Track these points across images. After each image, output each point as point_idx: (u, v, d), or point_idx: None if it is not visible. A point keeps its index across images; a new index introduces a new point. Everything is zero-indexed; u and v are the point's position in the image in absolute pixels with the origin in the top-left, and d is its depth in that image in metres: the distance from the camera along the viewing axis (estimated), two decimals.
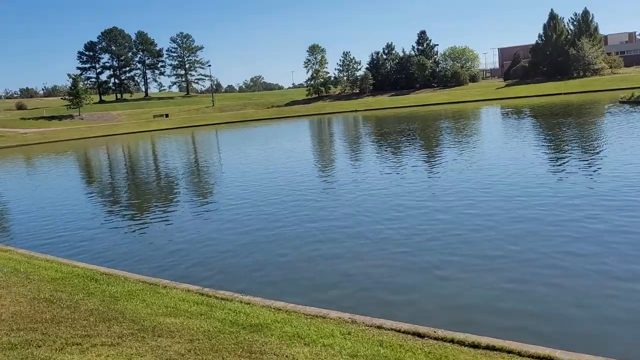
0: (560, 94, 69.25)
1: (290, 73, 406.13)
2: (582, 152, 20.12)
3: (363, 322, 5.83)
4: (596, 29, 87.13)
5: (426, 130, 37.19)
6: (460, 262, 8.93)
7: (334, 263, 9.56)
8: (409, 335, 5.38)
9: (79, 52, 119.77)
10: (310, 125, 61.00)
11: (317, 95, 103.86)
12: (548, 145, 23.00)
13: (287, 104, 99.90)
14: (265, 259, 10.15)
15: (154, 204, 18.26)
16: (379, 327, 5.66)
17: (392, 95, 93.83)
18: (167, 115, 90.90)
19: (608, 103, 45.75)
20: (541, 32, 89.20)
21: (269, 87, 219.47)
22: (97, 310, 6.23)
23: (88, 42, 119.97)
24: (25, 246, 12.19)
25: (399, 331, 5.52)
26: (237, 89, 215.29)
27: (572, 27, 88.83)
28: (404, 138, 32.38)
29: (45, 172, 33.49)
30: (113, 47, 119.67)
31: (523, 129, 31.59)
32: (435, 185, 16.06)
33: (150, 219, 15.46)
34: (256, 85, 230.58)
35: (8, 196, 23.39)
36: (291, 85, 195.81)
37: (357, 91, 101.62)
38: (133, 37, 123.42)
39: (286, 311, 6.37)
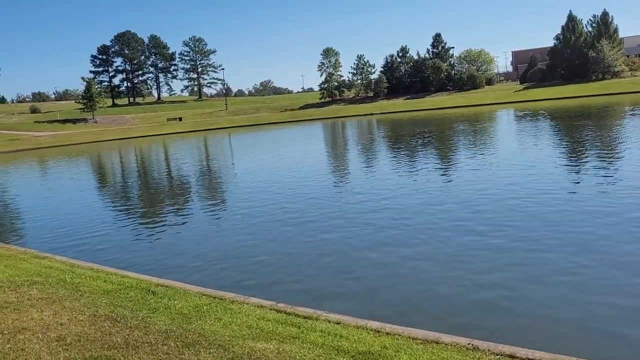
0: (581, 96, 68.10)
1: (300, 77, 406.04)
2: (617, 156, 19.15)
3: (488, 350, 4.97)
4: (616, 30, 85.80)
5: (454, 134, 36.26)
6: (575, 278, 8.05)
7: (392, 272, 8.70)
8: None
9: (92, 56, 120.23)
10: (328, 128, 60.22)
11: (330, 98, 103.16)
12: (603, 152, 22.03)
13: (300, 108, 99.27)
14: (311, 266, 9.32)
15: (177, 207, 17.46)
16: (511, 357, 4.79)
17: (407, 99, 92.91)
18: (180, 119, 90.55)
19: (630, 106, 44.73)
20: (559, 34, 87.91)
21: (279, 91, 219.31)
22: (172, 332, 5.41)
23: (101, 46, 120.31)
24: (44, 250, 11.51)
25: None
26: (247, 93, 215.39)
27: (590, 28, 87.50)
28: (434, 141, 31.50)
29: (60, 176, 32.91)
30: (126, 51, 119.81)
31: (560, 133, 30.59)
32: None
33: (174, 222, 14.67)
34: (266, 89, 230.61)
35: (25, 200, 22.74)
36: (301, 90, 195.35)
37: (371, 94, 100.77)
38: (146, 40, 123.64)
39: (387, 333, 5.52)
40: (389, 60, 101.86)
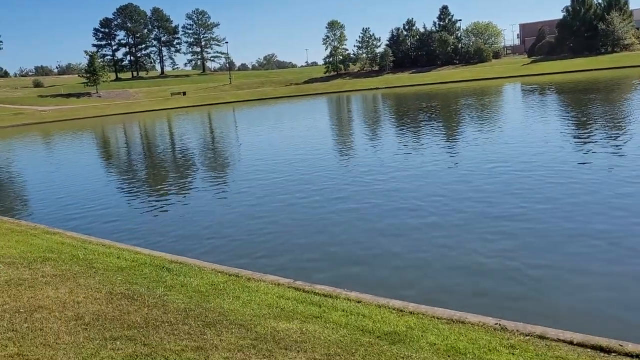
0: (590, 70, 67.12)
1: (305, 51, 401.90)
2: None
3: (516, 330, 4.83)
4: (626, 2, 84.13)
5: (461, 109, 35.83)
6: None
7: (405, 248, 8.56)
8: (589, 350, 4.37)
9: (95, 29, 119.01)
10: (334, 103, 59.72)
11: (335, 72, 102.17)
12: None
13: (305, 82, 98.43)
14: (319, 240, 9.19)
15: (184, 183, 17.31)
16: (541, 337, 4.65)
17: (412, 73, 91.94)
18: (184, 93, 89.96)
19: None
20: (568, 6, 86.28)
21: (282, 65, 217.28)
22: (191, 311, 5.30)
23: (104, 19, 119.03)
24: (53, 225, 11.46)
25: (570, 343, 4.51)
26: (250, 67, 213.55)
27: (600, 0, 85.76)
28: (452, 115, 31.14)
29: (65, 150, 32.80)
30: (129, 24, 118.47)
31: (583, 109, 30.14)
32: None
33: (181, 197, 14.55)
34: (269, 63, 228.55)
35: (31, 174, 22.66)
36: (304, 64, 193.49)
37: (377, 68, 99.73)
38: (148, 13, 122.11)
39: (411, 313, 5.39)
40: (394, 33, 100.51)
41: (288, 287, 6.42)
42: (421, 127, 26.22)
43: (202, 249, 9.65)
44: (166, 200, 14.59)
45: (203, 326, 4.82)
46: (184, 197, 14.84)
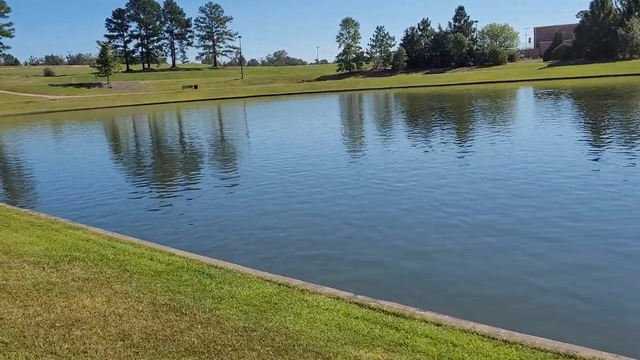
0: (609, 76, 66.01)
1: (315, 48, 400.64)
2: None
3: None
4: None
5: (479, 113, 34.96)
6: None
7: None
8: None
9: (107, 20, 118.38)
10: (348, 101, 58.92)
11: (348, 70, 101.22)
12: None
13: (317, 79, 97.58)
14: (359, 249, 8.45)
15: (198, 178, 16.58)
16: None
17: (426, 73, 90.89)
18: (196, 87, 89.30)
19: None
20: (587, 10, 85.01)
21: (292, 62, 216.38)
22: (252, 331, 4.56)
23: (116, 10, 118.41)
24: (68, 217, 10.85)
25: None
26: (260, 63, 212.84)
27: (620, 5, 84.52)
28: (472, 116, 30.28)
29: (76, 141, 32.20)
30: (141, 16, 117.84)
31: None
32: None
33: (196, 193, 13.80)
34: (279, 60, 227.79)
35: (44, 164, 22.00)
36: (314, 61, 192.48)
37: (390, 68, 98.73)
38: (162, 5, 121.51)
39: (505, 341, 4.64)
40: (409, 33, 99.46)
41: (350, 303, 5.69)
42: (459, 131, 25.40)
43: (223, 246, 8.95)
44: (180, 194, 13.86)
45: (274, 353, 4.08)
46: (200, 194, 14.11)
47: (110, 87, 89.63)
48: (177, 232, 10.26)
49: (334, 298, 5.84)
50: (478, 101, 42.50)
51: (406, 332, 4.75)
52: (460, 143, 19.81)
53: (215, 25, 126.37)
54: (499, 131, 22.30)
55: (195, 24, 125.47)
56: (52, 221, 10.12)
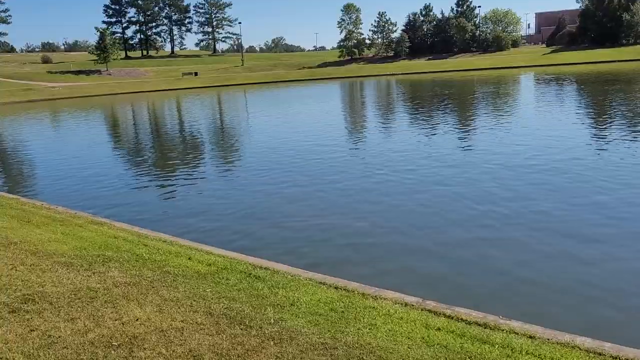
0: (614, 61, 65.33)
1: (314, 35, 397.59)
2: None
3: None
4: None
5: (491, 100, 34.35)
6: None
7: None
8: None
9: (105, 6, 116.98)
10: (350, 88, 58.15)
11: (350, 57, 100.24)
12: None
13: (318, 66, 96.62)
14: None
15: (206, 168, 16.03)
16: None
17: (429, 59, 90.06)
18: (196, 74, 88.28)
19: None
20: None
21: (290, 49, 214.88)
22: (332, 349, 4.04)
23: None
24: (75, 208, 10.47)
25: None
26: (258, 50, 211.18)
27: None
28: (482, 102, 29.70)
29: (80, 130, 31.56)
30: (139, 1, 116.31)
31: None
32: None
33: (209, 184, 13.30)
34: (277, 46, 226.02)
35: (49, 155, 21.39)
36: (312, 48, 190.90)
37: (392, 54, 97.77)
38: None
39: (614, 357, 4.14)
40: (411, 18, 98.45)
41: (422, 310, 5.18)
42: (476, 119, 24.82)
43: (238, 240, 8.45)
44: (189, 184, 13.34)
45: None
46: (212, 185, 13.57)
47: (110, 74, 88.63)
48: (189, 225, 9.80)
49: (401, 304, 5.33)
50: (491, 87, 41.86)
51: (502, 347, 4.24)
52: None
53: (215, 11, 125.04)
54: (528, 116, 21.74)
55: (194, 10, 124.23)
56: (72, 215, 9.59)
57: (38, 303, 4.72)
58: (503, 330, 4.63)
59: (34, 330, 4.10)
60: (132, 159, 19.40)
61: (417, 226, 8.99)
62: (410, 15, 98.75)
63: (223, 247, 7.71)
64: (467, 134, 18.82)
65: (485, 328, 4.69)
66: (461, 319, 4.92)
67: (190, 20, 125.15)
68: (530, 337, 4.50)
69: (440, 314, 5.04)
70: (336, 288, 5.81)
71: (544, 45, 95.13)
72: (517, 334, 4.56)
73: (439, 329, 4.62)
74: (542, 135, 16.94)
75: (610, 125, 18.18)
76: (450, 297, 5.70)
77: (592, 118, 20.54)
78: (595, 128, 18.27)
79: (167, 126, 31.66)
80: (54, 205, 10.66)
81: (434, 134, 19.05)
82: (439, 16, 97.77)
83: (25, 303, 4.70)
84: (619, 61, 65.34)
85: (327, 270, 6.61)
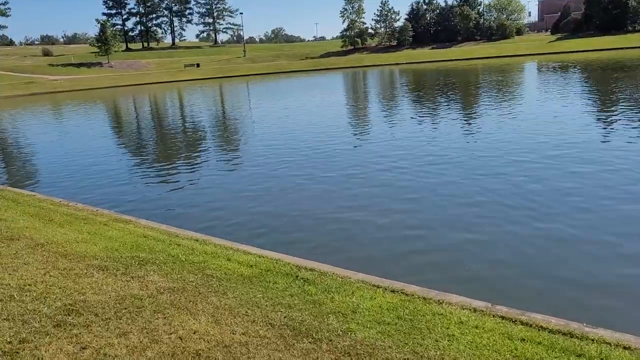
0: (621, 48, 64.60)
1: (314, 25, 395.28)
2: None
3: None
4: None
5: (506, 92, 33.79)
6: None
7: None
8: None
9: None
10: (355, 78, 57.54)
11: (352, 47, 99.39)
12: None
13: (321, 56, 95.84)
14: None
15: (222, 161, 15.59)
16: None
17: (433, 48, 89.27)
18: (198, 65, 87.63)
19: None
20: None
21: (290, 39, 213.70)
22: None
23: None
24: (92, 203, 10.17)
25: None
26: (258, 41, 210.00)
27: None
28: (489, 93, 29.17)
29: (86, 123, 31.10)
30: None
31: None
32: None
33: (221, 178, 12.87)
34: (277, 37, 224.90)
35: (54, 148, 20.96)
36: (313, 38, 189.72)
37: (395, 43, 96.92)
38: None
39: None
40: (414, 7, 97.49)
41: (494, 317, 4.76)
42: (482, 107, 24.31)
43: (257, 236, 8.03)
44: (205, 180, 12.91)
45: None
46: (228, 176, 13.14)
47: (111, 67, 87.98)
48: (208, 220, 9.43)
49: (469, 309, 4.92)
50: (498, 76, 41.29)
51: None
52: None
53: (215, 2, 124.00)
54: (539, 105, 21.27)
55: (194, 1, 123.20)
56: (94, 213, 9.18)
57: (83, 315, 4.32)
58: (593, 340, 4.23)
59: (85, 349, 3.70)
60: (139, 153, 18.95)
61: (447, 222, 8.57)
62: (414, 4, 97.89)
63: (252, 244, 7.30)
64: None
65: (572, 338, 4.28)
66: (541, 326, 4.51)
67: (191, 11, 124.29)
68: (625, 347, 4.10)
69: (516, 321, 4.63)
70: (393, 291, 5.40)
71: (548, 33, 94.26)
72: (610, 344, 4.15)
73: (522, 339, 4.22)
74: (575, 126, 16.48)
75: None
76: (492, 298, 5.30)
77: (612, 108, 20.04)
78: (616, 120, 17.78)
79: (173, 118, 31.19)
80: (72, 202, 10.24)
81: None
82: (443, 4, 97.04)
83: (69, 315, 4.30)
84: (625, 48, 64.59)
85: (369, 269, 6.19)
